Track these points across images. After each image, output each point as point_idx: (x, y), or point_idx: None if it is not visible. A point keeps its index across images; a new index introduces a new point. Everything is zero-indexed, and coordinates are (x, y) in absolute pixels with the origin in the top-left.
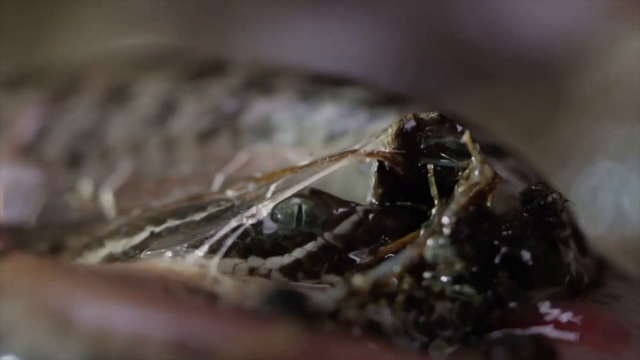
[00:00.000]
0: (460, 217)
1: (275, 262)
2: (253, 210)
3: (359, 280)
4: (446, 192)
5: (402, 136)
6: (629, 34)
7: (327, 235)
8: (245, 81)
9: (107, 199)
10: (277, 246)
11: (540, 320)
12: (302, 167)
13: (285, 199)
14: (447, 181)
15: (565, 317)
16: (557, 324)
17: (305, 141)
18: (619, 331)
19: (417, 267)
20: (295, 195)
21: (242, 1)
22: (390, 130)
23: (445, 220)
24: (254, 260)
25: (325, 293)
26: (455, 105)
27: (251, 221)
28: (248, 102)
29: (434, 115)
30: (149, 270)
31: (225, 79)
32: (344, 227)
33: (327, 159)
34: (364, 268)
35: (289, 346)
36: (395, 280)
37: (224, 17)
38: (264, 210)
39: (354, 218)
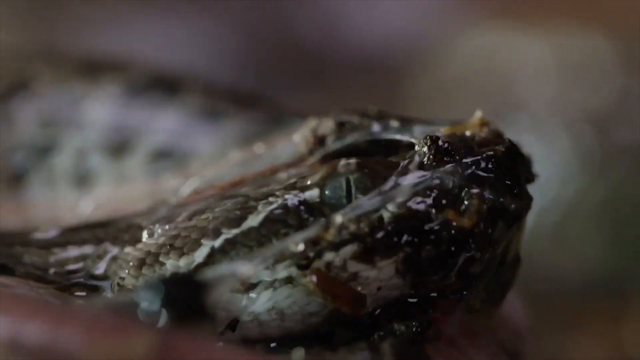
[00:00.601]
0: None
1: (348, 250)
2: (304, 200)
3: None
4: None
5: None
6: (466, 33)
7: (390, 206)
8: (53, 109)
9: None
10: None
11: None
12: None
13: (330, 177)
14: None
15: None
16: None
17: (127, 182)
18: (468, 330)
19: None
20: (340, 169)
21: None
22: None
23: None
24: (328, 255)
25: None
26: (294, 107)
27: (310, 215)
28: (59, 138)
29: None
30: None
31: (32, 105)
32: (404, 191)
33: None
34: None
35: (146, 353)
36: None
37: (63, 12)
38: (312, 196)
39: (410, 179)
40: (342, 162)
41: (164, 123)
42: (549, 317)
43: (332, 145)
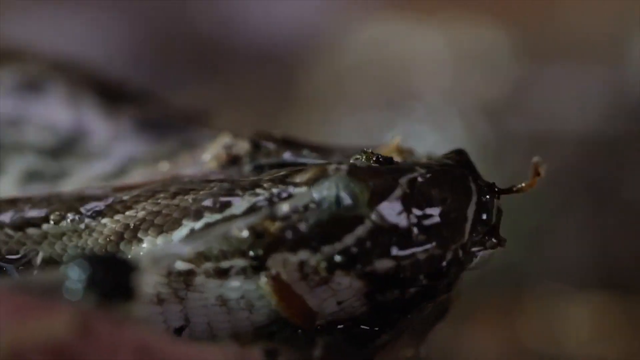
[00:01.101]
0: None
1: (326, 252)
2: (291, 196)
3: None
4: None
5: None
6: (361, 24)
7: (374, 216)
8: None
9: None
10: (325, 234)
11: None
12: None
13: (319, 179)
14: None
15: None
16: None
17: None
18: None
19: None
20: (330, 173)
21: None
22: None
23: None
24: (303, 254)
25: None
26: (189, 100)
27: (293, 208)
28: None
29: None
30: None
31: None
32: (390, 203)
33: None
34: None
35: (63, 333)
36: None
37: None
38: (300, 195)
39: (397, 192)
40: (333, 166)
41: (32, 137)
42: None
43: (246, 166)
